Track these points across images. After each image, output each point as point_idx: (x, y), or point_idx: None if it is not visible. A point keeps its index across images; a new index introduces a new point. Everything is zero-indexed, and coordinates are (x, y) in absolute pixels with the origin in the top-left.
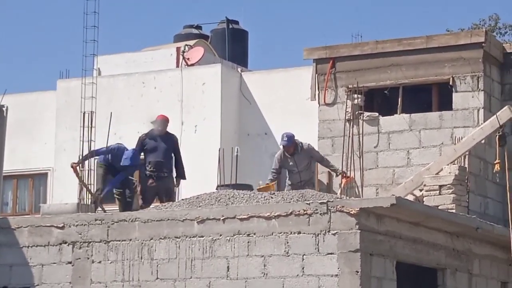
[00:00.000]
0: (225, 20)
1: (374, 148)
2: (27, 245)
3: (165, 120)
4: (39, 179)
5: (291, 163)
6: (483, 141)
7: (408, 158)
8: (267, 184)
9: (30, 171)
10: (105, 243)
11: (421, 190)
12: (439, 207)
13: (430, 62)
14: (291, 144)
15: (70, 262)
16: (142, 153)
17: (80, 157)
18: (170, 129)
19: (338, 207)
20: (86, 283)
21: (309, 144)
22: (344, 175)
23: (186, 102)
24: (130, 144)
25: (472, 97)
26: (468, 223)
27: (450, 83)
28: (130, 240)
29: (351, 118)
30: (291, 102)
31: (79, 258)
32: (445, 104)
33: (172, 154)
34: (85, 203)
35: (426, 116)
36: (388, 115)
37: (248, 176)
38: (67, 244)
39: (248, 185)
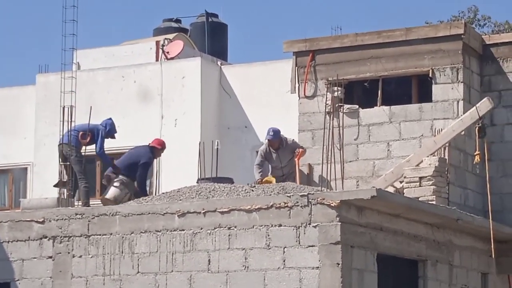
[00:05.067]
0: (204, 13)
1: (354, 141)
2: (7, 240)
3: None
4: (18, 173)
5: (274, 158)
6: (463, 133)
7: (388, 150)
8: (265, 179)
9: (10, 166)
10: (85, 238)
11: (401, 182)
12: (419, 199)
13: (409, 54)
14: (277, 139)
15: (50, 257)
16: None
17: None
18: (151, 123)
19: (318, 199)
20: (67, 277)
21: (293, 139)
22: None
23: (165, 96)
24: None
25: (452, 89)
26: (448, 215)
27: (430, 75)
28: (111, 234)
29: (331, 110)
30: (271, 95)
31: (60, 253)
32: (425, 96)
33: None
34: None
35: (406, 108)
36: (368, 108)
37: (229, 170)
38: (47, 238)
39: (229, 178)
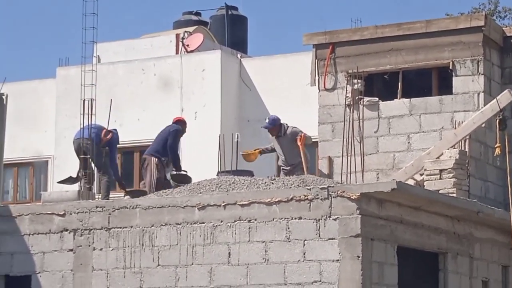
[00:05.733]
0: (224, 6)
1: (374, 133)
2: (28, 233)
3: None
4: (39, 167)
5: (277, 146)
6: (483, 125)
7: (409, 142)
8: (252, 151)
9: (31, 159)
10: (106, 230)
11: (421, 175)
12: (439, 192)
13: (429, 47)
14: (273, 126)
15: (71, 250)
16: None
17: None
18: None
19: (338, 192)
20: (88, 270)
21: (294, 127)
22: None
23: (186, 89)
24: (130, 130)
25: (472, 81)
26: (469, 207)
27: (450, 67)
28: (131, 227)
29: (351, 103)
30: (291, 88)
31: (81, 246)
32: (445, 88)
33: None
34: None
35: (426, 100)
36: (388, 100)
37: (249, 163)
38: (68, 231)
39: (249, 171)
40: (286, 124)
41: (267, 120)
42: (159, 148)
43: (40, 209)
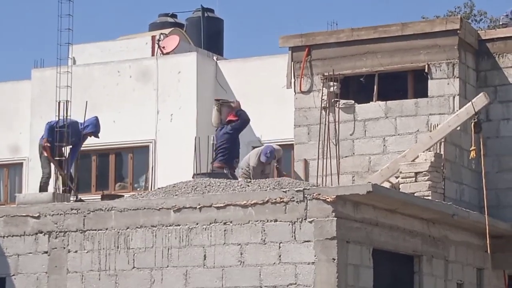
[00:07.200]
0: (200, 8)
1: (350, 136)
2: (2, 235)
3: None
4: (14, 169)
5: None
6: (458, 128)
7: (384, 145)
8: None
9: (5, 161)
10: (81, 233)
11: (397, 177)
12: (415, 194)
13: (405, 50)
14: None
15: (46, 252)
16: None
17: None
18: (147, 117)
19: (314, 194)
20: (63, 272)
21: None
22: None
23: (161, 91)
24: (106, 132)
25: (448, 84)
26: (444, 210)
27: (426, 70)
28: (106, 229)
29: (327, 105)
30: (267, 90)
31: (55, 248)
32: (421, 91)
33: None
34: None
35: (401, 103)
36: (364, 103)
37: None
38: (43, 233)
39: (225, 174)
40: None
41: (267, 154)
42: None
43: (15, 211)
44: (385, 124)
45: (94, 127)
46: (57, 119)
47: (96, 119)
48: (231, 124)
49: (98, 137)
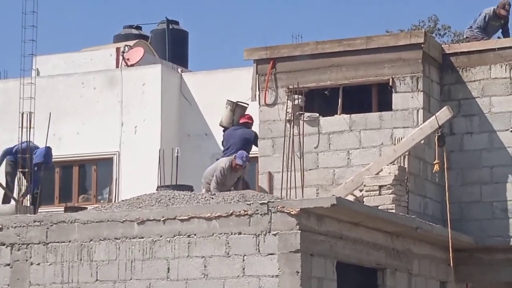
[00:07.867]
0: (165, 20)
1: (315, 149)
2: None
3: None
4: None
5: (231, 178)
6: (422, 142)
7: (348, 158)
8: None
9: None
10: (44, 245)
11: (361, 191)
12: (379, 207)
13: (370, 63)
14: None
15: (8, 264)
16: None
17: None
18: (111, 129)
19: (278, 207)
20: (25, 285)
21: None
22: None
23: (126, 103)
24: (69, 144)
25: (412, 97)
26: (407, 223)
27: (390, 83)
28: (70, 241)
29: (292, 118)
30: None
31: (18, 260)
32: (385, 104)
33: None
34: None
35: (366, 116)
36: (328, 116)
37: (189, 177)
38: (5, 246)
39: (189, 186)
40: None
41: (244, 158)
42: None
43: None
44: (350, 137)
45: (42, 158)
46: (17, 144)
47: (47, 149)
48: (255, 138)
49: (49, 168)
